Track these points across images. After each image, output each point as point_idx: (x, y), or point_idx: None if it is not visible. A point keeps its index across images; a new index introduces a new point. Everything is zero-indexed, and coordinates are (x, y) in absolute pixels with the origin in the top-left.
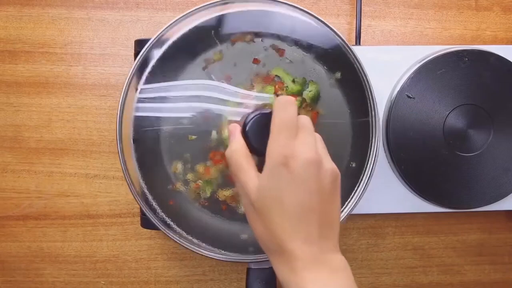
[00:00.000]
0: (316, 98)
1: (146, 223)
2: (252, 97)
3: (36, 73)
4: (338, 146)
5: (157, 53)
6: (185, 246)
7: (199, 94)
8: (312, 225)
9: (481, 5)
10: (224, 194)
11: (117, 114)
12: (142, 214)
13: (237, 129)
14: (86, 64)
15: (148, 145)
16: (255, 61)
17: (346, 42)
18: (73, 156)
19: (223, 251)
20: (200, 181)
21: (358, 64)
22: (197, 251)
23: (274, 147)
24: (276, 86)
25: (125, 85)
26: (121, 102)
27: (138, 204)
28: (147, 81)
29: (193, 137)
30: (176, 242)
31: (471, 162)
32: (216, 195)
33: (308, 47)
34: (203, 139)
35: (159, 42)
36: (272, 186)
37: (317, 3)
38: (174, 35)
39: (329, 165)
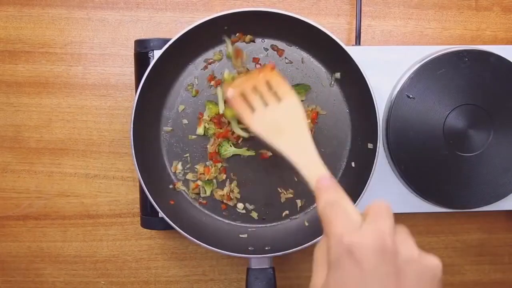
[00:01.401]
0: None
1: (146, 223)
2: None
3: (36, 73)
4: (338, 146)
5: (157, 53)
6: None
7: None
8: None
9: (481, 5)
10: (220, 194)
11: (131, 118)
12: (142, 214)
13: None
14: (86, 64)
15: (148, 145)
16: (255, 60)
17: (343, 45)
18: (73, 156)
19: (222, 251)
20: (200, 181)
21: (357, 65)
22: (202, 246)
23: (334, 232)
24: None
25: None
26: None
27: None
28: (147, 80)
29: (193, 137)
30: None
31: (471, 162)
32: (213, 195)
33: (307, 48)
34: (203, 139)
35: (160, 42)
36: (335, 284)
37: (317, 3)
38: (174, 36)
39: (428, 259)
